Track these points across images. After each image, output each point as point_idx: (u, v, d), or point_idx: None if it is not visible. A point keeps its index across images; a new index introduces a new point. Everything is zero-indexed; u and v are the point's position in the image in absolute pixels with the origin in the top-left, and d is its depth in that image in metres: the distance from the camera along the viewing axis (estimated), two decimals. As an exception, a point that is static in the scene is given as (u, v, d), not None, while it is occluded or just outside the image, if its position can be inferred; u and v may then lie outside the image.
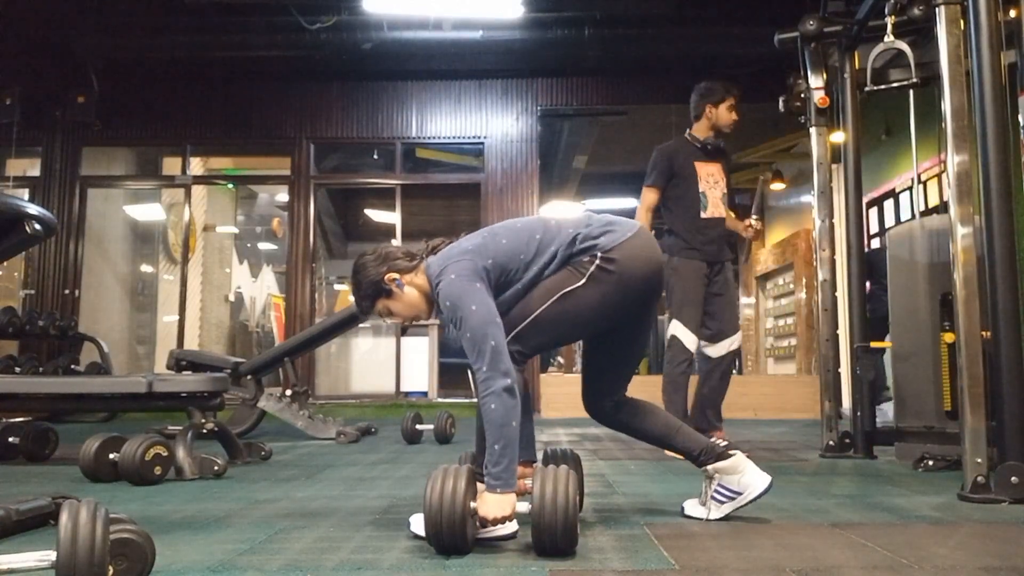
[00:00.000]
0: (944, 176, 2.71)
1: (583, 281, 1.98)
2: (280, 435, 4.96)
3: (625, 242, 2.01)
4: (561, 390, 6.98)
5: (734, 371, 4.07)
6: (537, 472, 1.77)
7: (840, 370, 3.95)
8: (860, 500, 2.48)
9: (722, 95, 3.92)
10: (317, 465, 3.53)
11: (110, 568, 1.33)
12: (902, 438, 3.54)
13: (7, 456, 3.63)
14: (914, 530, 2.02)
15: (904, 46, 3.43)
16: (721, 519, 2.10)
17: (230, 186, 9.61)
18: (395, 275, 2.09)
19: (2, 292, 8.37)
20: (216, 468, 3.07)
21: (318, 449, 4.28)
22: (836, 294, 3.93)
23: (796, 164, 9.29)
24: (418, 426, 4.60)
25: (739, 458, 2.10)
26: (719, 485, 2.10)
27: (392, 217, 8.31)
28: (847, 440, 3.72)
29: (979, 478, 2.43)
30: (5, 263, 7.97)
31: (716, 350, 3.84)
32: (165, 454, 2.94)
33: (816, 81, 3.91)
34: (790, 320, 9.85)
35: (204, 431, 3.30)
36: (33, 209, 1.85)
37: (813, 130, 3.95)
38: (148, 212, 9.46)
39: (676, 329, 3.80)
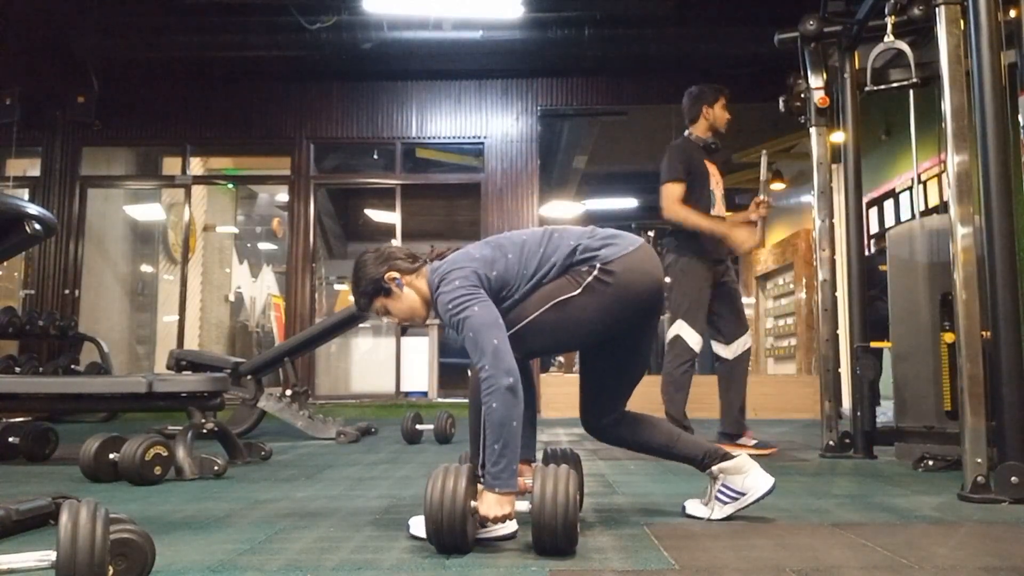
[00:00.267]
0: (944, 176, 2.71)
1: (579, 291, 1.97)
2: (280, 435, 4.96)
3: (626, 255, 2.00)
4: (561, 390, 6.98)
5: None
6: (537, 471, 1.77)
7: (840, 370, 3.95)
8: (860, 500, 2.48)
9: (715, 95, 3.97)
10: (317, 465, 3.53)
11: (110, 568, 1.33)
12: (902, 438, 3.54)
13: (7, 456, 3.63)
14: (914, 530, 2.02)
15: (904, 46, 3.43)
16: (722, 519, 2.10)
17: (230, 186, 9.61)
18: (396, 275, 2.10)
19: (2, 292, 8.37)
20: (216, 468, 3.07)
21: (318, 449, 4.28)
22: (836, 294, 3.93)
23: (796, 164, 9.29)
24: (418, 426, 4.60)
25: (744, 459, 2.11)
26: (723, 485, 2.10)
27: (392, 217, 8.31)
28: (847, 440, 3.72)
29: (979, 478, 2.43)
30: (5, 263, 7.97)
31: (731, 351, 3.84)
32: (165, 454, 2.94)
33: (816, 81, 3.91)
34: (790, 320, 9.85)
35: (204, 431, 3.30)
36: (33, 209, 1.85)
37: (813, 130, 3.95)
38: (148, 212, 9.46)
39: (680, 329, 3.78)
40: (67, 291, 7.84)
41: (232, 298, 9.85)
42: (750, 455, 2.16)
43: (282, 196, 8.81)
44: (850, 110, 3.86)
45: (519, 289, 2.02)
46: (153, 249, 9.55)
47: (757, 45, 6.22)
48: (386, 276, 2.09)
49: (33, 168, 8.11)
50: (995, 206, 2.54)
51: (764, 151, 4.05)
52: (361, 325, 6.39)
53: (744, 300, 11.27)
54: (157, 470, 2.89)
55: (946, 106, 2.63)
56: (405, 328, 8.04)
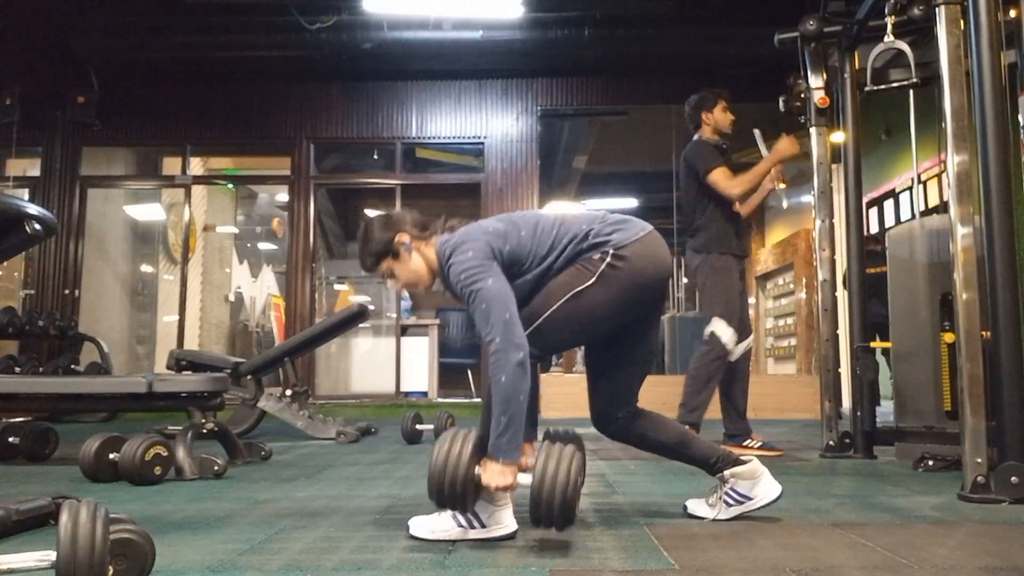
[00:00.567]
0: (944, 176, 2.71)
1: (593, 280, 1.96)
2: (280, 435, 4.96)
3: (636, 241, 2.00)
4: (562, 390, 6.97)
5: None
6: (541, 448, 1.78)
7: (840, 370, 3.95)
8: (860, 500, 2.48)
9: (713, 99, 3.97)
10: (317, 465, 3.53)
11: (110, 568, 1.33)
12: (902, 438, 3.54)
13: (7, 456, 3.63)
14: (914, 530, 2.02)
15: (904, 46, 3.43)
16: (723, 520, 2.10)
17: (230, 186, 9.61)
18: (406, 238, 2.09)
19: (2, 292, 8.37)
20: (216, 468, 3.07)
21: (318, 449, 4.28)
22: (836, 294, 3.93)
23: (796, 164, 9.29)
24: (418, 426, 4.60)
25: (756, 464, 2.11)
26: (731, 488, 2.10)
27: (392, 217, 8.29)
28: (847, 440, 3.72)
29: (979, 478, 2.43)
30: (5, 263, 7.97)
31: (735, 352, 3.84)
32: (165, 454, 2.93)
33: (816, 81, 3.91)
34: (790, 320, 9.85)
35: (204, 431, 3.29)
36: (33, 209, 1.85)
37: (813, 130, 3.95)
38: (148, 212, 9.46)
39: (716, 326, 3.74)
40: (67, 291, 7.84)
41: (232, 298, 9.85)
42: (757, 457, 2.17)
43: (282, 196, 8.81)
44: (850, 110, 3.86)
45: (530, 268, 2.01)
46: (153, 249, 9.55)
47: (757, 45, 6.21)
48: (396, 239, 2.09)
49: (33, 168, 8.11)
50: (995, 206, 2.54)
51: (755, 129, 4.04)
52: (361, 325, 6.37)
53: (744, 300, 11.30)
54: (157, 470, 2.89)
55: (946, 106, 2.63)
56: (405, 328, 8.05)
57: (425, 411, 4.92)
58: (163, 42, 7.27)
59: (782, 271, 10.13)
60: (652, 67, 7.84)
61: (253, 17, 7.10)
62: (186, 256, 8.38)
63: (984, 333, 2.54)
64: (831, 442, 3.74)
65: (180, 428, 3.23)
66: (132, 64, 7.72)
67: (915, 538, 1.91)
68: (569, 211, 2.16)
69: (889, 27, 3.42)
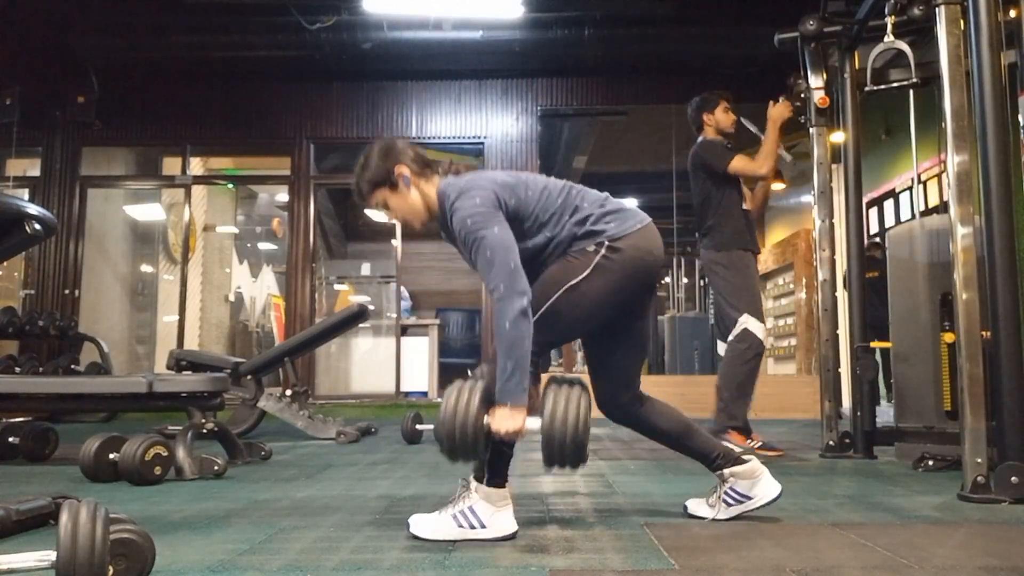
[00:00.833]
0: (944, 176, 2.71)
1: (587, 272, 1.96)
2: (280, 435, 4.96)
3: (632, 233, 2.00)
4: (561, 390, 6.96)
5: None
6: (548, 389, 1.78)
7: (840, 370, 3.95)
8: (860, 500, 2.48)
9: (715, 101, 3.95)
10: (317, 465, 3.53)
11: (110, 568, 1.32)
12: (902, 438, 3.54)
13: (7, 456, 3.63)
14: (914, 530, 2.01)
15: (904, 46, 3.43)
16: (724, 520, 2.10)
17: (230, 186, 9.61)
18: (406, 171, 2.06)
19: (2, 292, 8.37)
20: (216, 468, 3.07)
21: (318, 449, 4.28)
22: (836, 294, 3.93)
23: (796, 164, 9.28)
24: (418, 426, 4.60)
25: (755, 464, 2.10)
26: (730, 488, 2.10)
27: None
28: (847, 440, 3.72)
29: (979, 478, 2.43)
30: (5, 263, 7.97)
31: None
32: (165, 454, 2.93)
33: (816, 81, 3.91)
34: (790, 320, 9.85)
35: (204, 431, 3.29)
36: (33, 209, 1.85)
37: (813, 130, 3.95)
38: (148, 212, 9.46)
39: (748, 322, 3.68)
40: (67, 291, 7.84)
41: (232, 298, 9.86)
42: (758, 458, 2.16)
43: (282, 196, 8.81)
44: (850, 110, 3.86)
45: (529, 234, 2.00)
46: (153, 249, 9.55)
47: (757, 45, 6.22)
48: (396, 170, 2.05)
49: (33, 168, 8.11)
50: (995, 206, 2.54)
51: (740, 118, 4.03)
52: (361, 325, 6.37)
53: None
54: (157, 470, 2.89)
55: (946, 106, 2.63)
56: (405, 328, 8.05)
57: (425, 411, 4.92)
58: (163, 42, 7.27)
59: (782, 271, 10.13)
60: (652, 67, 7.84)
61: (253, 17, 7.10)
62: (186, 256, 8.38)
63: (984, 333, 2.54)
64: (831, 442, 3.74)
65: (180, 428, 3.23)
66: (132, 64, 7.72)
67: (915, 538, 1.91)
68: (576, 186, 2.12)
69: (889, 27, 3.42)
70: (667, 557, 1.70)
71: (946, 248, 2.84)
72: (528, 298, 1.84)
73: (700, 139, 3.98)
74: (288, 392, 5.02)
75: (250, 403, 4.79)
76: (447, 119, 8.16)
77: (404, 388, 7.85)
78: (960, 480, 2.52)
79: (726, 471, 2.09)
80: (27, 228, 1.81)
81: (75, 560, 1.24)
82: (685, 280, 12.00)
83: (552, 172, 10.07)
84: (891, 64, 3.63)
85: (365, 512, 2.31)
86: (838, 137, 4.00)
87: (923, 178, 6.74)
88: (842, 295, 4.15)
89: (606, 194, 2.11)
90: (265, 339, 9.80)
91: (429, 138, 8.19)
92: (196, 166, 8.59)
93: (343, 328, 5.23)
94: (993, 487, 2.42)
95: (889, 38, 3.43)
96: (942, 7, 2.67)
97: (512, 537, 1.88)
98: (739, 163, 3.79)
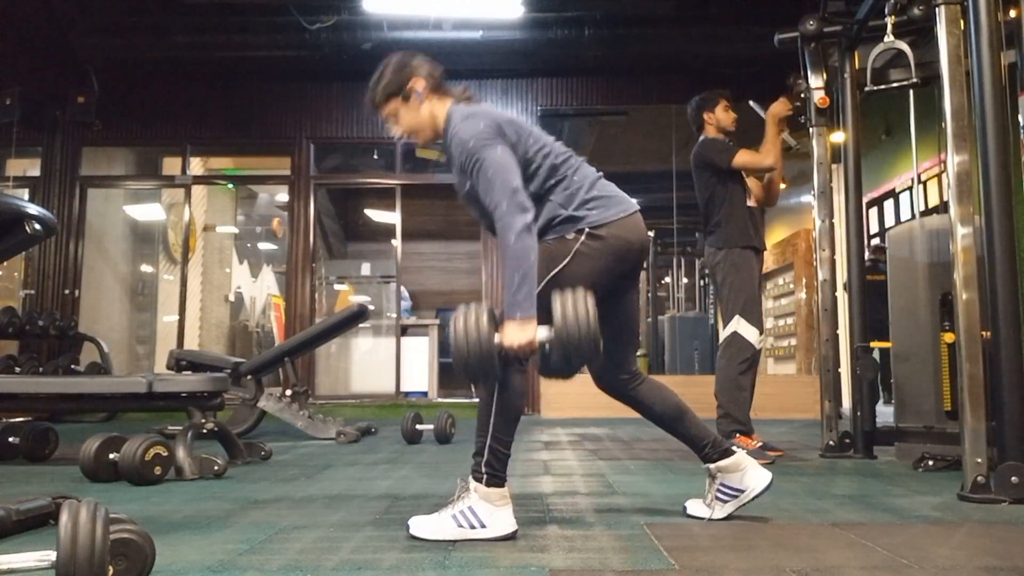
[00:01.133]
0: (944, 176, 2.71)
1: (568, 259, 1.97)
2: (280, 435, 4.97)
3: (615, 221, 2.01)
4: (561, 390, 6.97)
5: None
6: (555, 297, 1.79)
7: (840, 370, 3.95)
8: (860, 500, 2.48)
9: (715, 100, 3.92)
10: (317, 465, 3.53)
11: (110, 568, 1.33)
12: (902, 438, 3.54)
13: (7, 456, 3.63)
14: (914, 530, 2.02)
15: (904, 46, 3.44)
16: (722, 519, 2.10)
17: (230, 186, 9.61)
18: (420, 85, 2.09)
19: (2, 292, 8.37)
20: (216, 468, 3.07)
21: (318, 449, 4.28)
22: (836, 294, 3.93)
23: (796, 164, 9.29)
24: (418, 426, 4.60)
25: (740, 456, 2.11)
26: (721, 484, 2.10)
27: (392, 217, 8.31)
28: (847, 440, 3.72)
29: (979, 478, 2.43)
30: (5, 263, 7.97)
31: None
32: (165, 454, 2.93)
33: (816, 81, 3.91)
34: (790, 320, 9.85)
35: (204, 431, 3.30)
36: (33, 209, 1.85)
37: (813, 130, 3.95)
38: (148, 212, 9.46)
39: (738, 325, 3.65)
40: (67, 291, 7.84)
41: (232, 298, 9.86)
42: (760, 462, 2.17)
43: (282, 196, 8.81)
44: (850, 110, 3.87)
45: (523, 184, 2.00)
46: (153, 249, 9.55)
47: (757, 45, 6.22)
48: (411, 83, 2.09)
49: (33, 168, 8.11)
50: (995, 206, 2.54)
51: (751, 101, 4.03)
52: (361, 325, 6.37)
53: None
54: (157, 470, 2.89)
55: (946, 106, 2.64)
56: (405, 328, 8.05)
57: (425, 411, 4.92)
58: (163, 42, 7.27)
59: (782, 271, 10.13)
60: (652, 67, 7.83)
61: (253, 17, 7.10)
62: (186, 256, 8.38)
63: (984, 333, 2.54)
64: (831, 442, 3.74)
65: (180, 428, 3.23)
66: (132, 64, 7.72)
67: (915, 538, 1.91)
68: (576, 156, 2.12)
69: (889, 27, 3.43)
70: (667, 557, 1.70)
71: (946, 248, 2.84)
72: (531, 214, 1.86)
73: (702, 138, 3.97)
74: (288, 392, 5.02)
75: (250, 403, 4.79)
76: (447, 119, 8.14)
77: (404, 388, 7.85)
78: (960, 480, 2.52)
79: (712, 467, 2.10)
80: (27, 228, 1.81)
81: (75, 560, 1.24)
82: (685, 280, 11.99)
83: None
84: (891, 64, 3.63)
85: (365, 512, 2.31)
86: (838, 137, 4.01)
87: (923, 178, 6.75)
88: (842, 295, 4.15)
89: (600, 174, 2.11)
90: (265, 339, 9.80)
91: (429, 138, 8.18)
92: (196, 166, 8.59)
93: (343, 328, 5.23)
94: (993, 487, 2.42)
95: (889, 38, 3.44)
96: (942, 7, 2.67)
97: (512, 537, 1.88)
98: (744, 157, 3.77)
